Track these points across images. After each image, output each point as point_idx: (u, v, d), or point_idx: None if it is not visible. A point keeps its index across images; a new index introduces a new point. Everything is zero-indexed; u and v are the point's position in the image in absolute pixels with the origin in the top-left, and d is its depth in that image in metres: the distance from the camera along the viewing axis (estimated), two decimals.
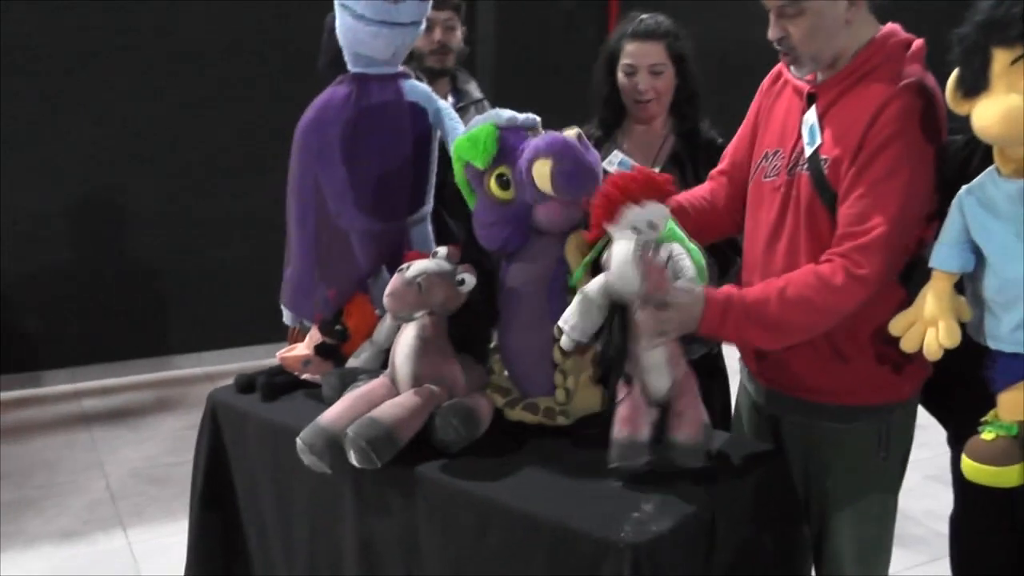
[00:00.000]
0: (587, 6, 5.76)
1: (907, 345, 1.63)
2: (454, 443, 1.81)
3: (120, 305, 4.84)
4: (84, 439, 4.13)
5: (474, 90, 2.85)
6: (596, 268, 1.79)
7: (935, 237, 1.68)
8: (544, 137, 1.81)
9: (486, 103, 2.81)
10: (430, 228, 2.30)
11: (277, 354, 2.23)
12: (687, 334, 1.74)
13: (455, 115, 2.20)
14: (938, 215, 1.74)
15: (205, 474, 2.15)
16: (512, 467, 1.78)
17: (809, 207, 1.78)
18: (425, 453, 1.80)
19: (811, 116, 1.79)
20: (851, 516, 1.92)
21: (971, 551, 1.98)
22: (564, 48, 5.66)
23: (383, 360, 2.08)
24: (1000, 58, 1.49)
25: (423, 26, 2.10)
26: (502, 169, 1.86)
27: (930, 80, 1.74)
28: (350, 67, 2.12)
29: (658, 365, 1.72)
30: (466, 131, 1.94)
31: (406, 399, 1.83)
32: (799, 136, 1.82)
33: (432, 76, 2.66)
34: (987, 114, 1.51)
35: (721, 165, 2.09)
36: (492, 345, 2.03)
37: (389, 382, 1.91)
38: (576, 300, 1.74)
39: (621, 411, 1.73)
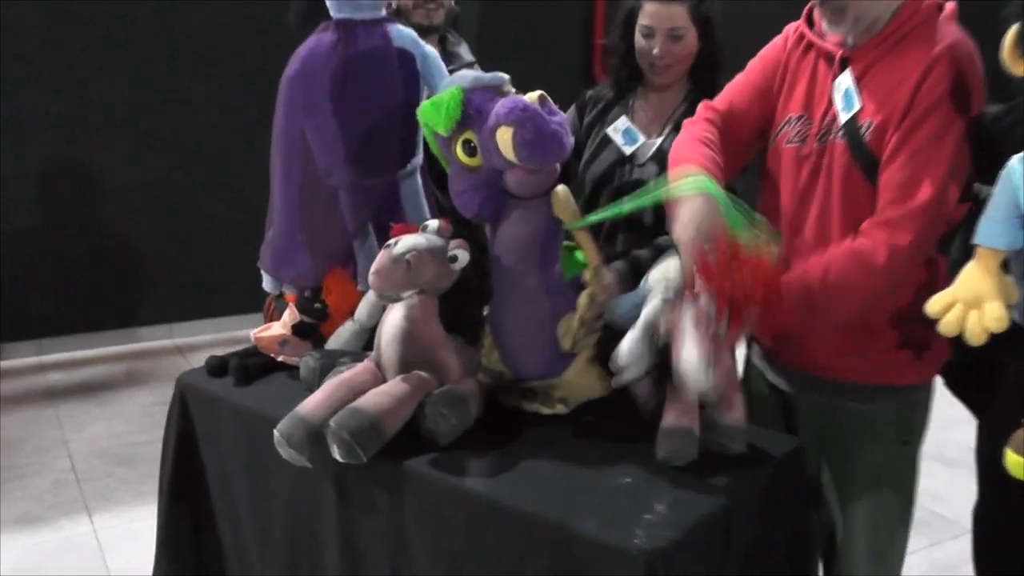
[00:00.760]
0: None
1: (946, 329, 1.49)
2: (445, 435, 1.67)
3: (87, 274, 4.67)
4: (49, 415, 3.97)
5: (465, 53, 2.69)
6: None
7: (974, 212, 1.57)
8: (505, 103, 1.67)
9: (478, 67, 2.64)
10: (420, 181, 2.18)
11: (251, 334, 2.08)
12: None
13: (441, 65, 2.10)
14: (970, 194, 1.66)
15: (174, 464, 2.00)
16: (508, 461, 1.64)
17: (845, 175, 1.71)
18: (413, 445, 1.66)
19: (845, 80, 1.71)
20: (870, 503, 1.86)
21: (997, 545, 1.87)
22: (550, 7, 5.50)
23: (366, 340, 1.96)
24: None
25: None
26: (468, 135, 1.72)
27: (970, 42, 1.66)
28: (333, 13, 2.00)
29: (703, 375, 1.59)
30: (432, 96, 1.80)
31: (393, 387, 1.68)
32: (829, 103, 1.74)
33: (420, 34, 2.49)
34: None
35: (714, 109, 1.93)
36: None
37: (374, 367, 1.76)
38: (630, 336, 1.64)
39: (675, 401, 1.62)
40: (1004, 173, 1.48)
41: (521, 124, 1.63)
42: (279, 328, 2.05)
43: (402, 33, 2.07)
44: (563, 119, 1.70)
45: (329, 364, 1.86)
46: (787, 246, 1.78)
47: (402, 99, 2.06)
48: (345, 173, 2.02)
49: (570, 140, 1.70)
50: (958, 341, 1.49)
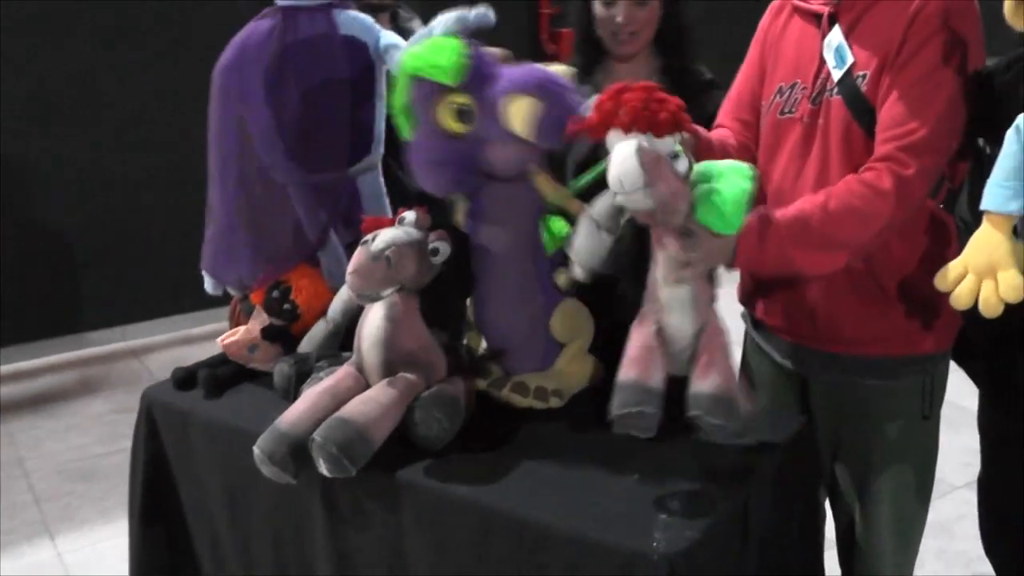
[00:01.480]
0: None
1: (959, 302, 1.42)
2: (438, 439, 1.57)
3: (28, 278, 4.44)
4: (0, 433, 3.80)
5: (418, 27, 2.59)
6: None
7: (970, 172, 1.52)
8: (528, 70, 1.54)
9: None
10: (381, 179, 2.08)
11: (218, 340, 1.96)
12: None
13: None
14: (972, 149, 1.59)
15: (144, 485, 1.87)
16: (508, 464, 1.54)
17: (844, 132, 1.65)
18: (404, 453, 1.56)
19: (835, 37, 1.66)
20: (892, 486, 1.81)
21: (1002, 514, 1.83)
22: None
23: (341, 341, 1.85)
24: None
25: None
26: (462, 98, 1.58)
27: None
28: None
29: (681, 303, 1.48)
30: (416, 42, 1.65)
31: (379, 392, 1.58)
32: (821, 62, 1.69)
33: (372, 11, 2.38)
34: None
35: (730, 114, 1.90)
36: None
37: (356, 372, 1.65)
38: (580, 223, 1.52)
39: (630, 351, 1.47)
40: (1010, 134, 1.40)
41: (552, 99, 1.50)
42: (247, 333, 1.94)
43: (351, 20, 1.95)
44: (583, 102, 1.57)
45: (305, 370, 1.76)
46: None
47: (350, 90, 1.95)
48: (288, 169, 1.91)
49: None
50: (965, 312, 1.42)
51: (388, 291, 1.61)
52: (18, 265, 4.42)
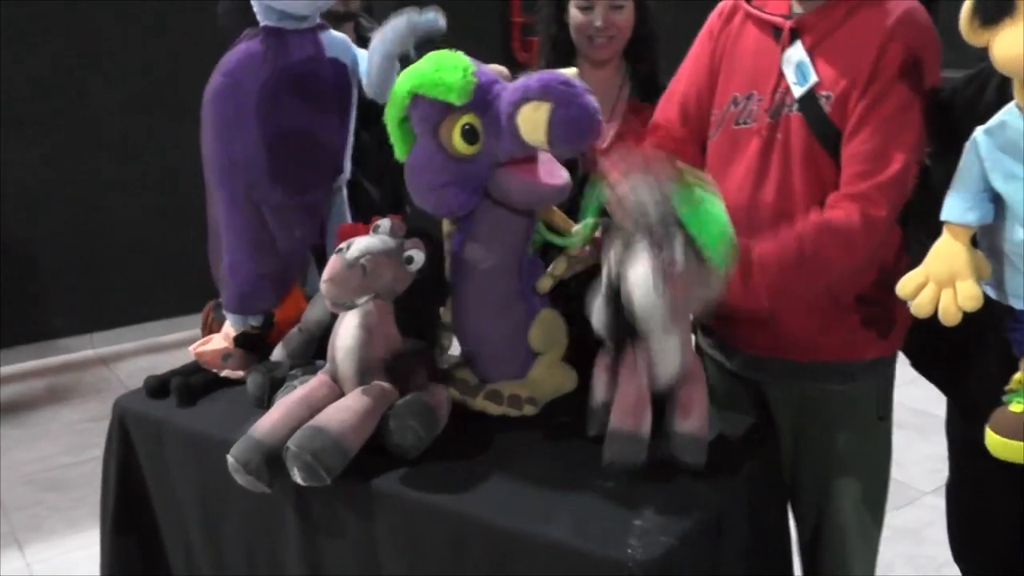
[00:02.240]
0: None
1: (920, 310, 1.45)
2: (413, 448, 1.57)
3: None
4: None
5: None
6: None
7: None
8: (536, 76, 1.51)
9: None
10: (346, 197, 2.06)
11: (191, 349, 1.94)
12: None
13: None
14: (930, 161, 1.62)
15: (117, 495, 1.85)
16: (484, 472, 1.55)
17: (806, 150, 1.66)
18: (379, 461, 1.56)
19: (796, 53, 1.66)
20: (852, 487, 1.82)
21: (973, 521, 1.85)
22: None
23: (315, 349, 1.84)
24: None
25: None
26: (469, 118, 1.56)
27: (922, 8, 1.64)
28: (261, 20, 1.83)
29: (672, 350, 1.52)
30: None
31: (353, 401, 1.57)
32: (779, 76, 1.68)
33: (336, 21, 2.36)
34: (1012, 44, 1.33)
35: (673, 116, 1.88)
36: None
37: (330, 380, 1.64)
38: (598, 298, 1.53)
39: (622, 400, 1.52)
40: (969, 146, 1.43)
41: (564, 101, 1.46)
42: (221, 341, 1.93)
43: (334, 41, 1.93)
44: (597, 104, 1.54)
45: (279, 378, 1.75)
46: (743, 222, 1.68)
47: (336, 111, 1.94)
48: (271, 191, 1.85)
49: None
50: (923, 320, 1.44)
51: (363, 299, 1.61)
52: None
